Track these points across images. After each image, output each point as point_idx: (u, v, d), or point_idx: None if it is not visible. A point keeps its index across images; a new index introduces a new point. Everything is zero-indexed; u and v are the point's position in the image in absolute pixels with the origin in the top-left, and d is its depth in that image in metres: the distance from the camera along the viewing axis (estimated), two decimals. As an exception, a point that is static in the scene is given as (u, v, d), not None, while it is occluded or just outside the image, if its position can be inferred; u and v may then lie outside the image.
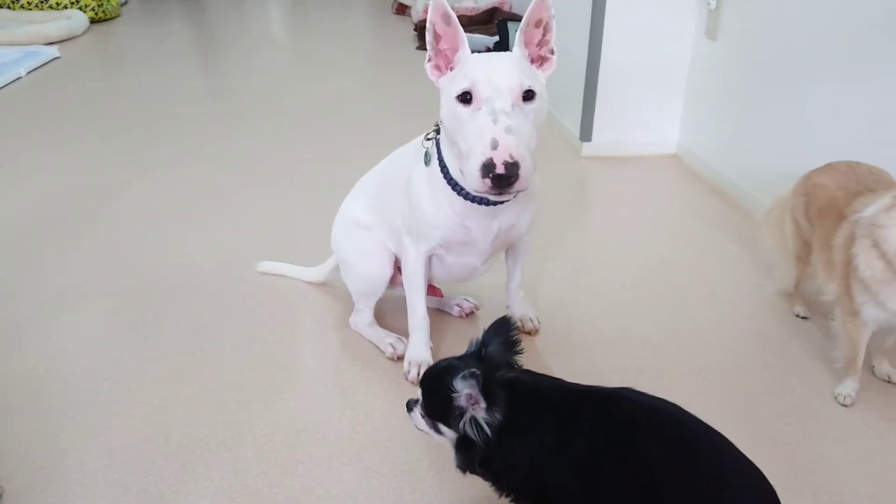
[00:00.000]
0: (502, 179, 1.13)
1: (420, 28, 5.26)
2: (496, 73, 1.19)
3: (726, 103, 2.63)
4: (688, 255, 2.18)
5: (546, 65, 1.31)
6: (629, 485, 0.91)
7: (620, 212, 2.49)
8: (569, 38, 3.00)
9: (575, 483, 0.96)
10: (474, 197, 1.33)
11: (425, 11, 1.46)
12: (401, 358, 1.63)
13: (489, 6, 5.31)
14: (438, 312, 1.85)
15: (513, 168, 1.12)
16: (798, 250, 1.75)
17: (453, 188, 1.34)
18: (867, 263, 1.39)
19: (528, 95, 1.20)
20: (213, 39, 5.52)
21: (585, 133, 2.97)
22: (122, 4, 6.76)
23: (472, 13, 5.32)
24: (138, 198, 2.57)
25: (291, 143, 3.15)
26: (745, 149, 2.51)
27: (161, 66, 4.61)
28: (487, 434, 0.98)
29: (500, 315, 1.79)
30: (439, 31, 1.26)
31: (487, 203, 1.35)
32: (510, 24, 3.73)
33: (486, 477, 1.07)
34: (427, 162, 1.40)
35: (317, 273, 1.94)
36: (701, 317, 1.85)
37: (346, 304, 1.80)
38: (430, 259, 1.53)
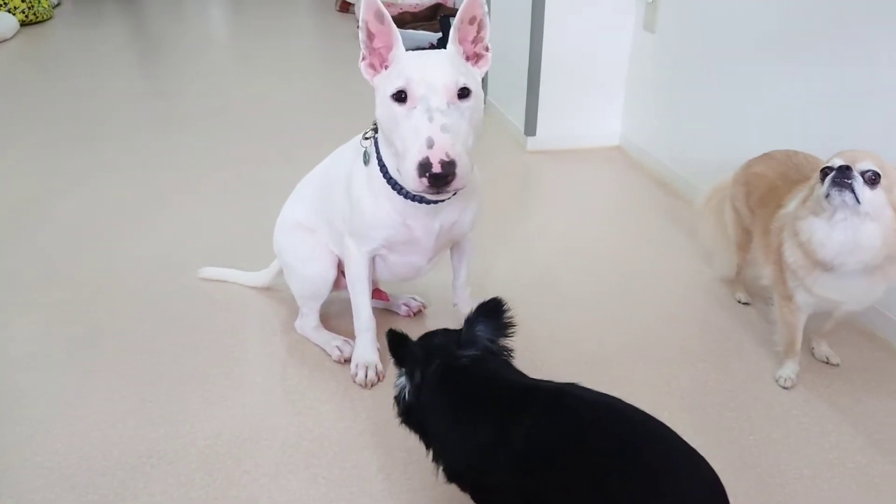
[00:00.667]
0: (439, 178, 1.13)
1: (363, 26, 5.21)
2: (431, 72, 1.18)
3: (665, 95, 2.67)
4: (632, 245, 2.20)
5: (481, 62, 1.31)
6: (574, 481, 0.91)
7: (566, 205, 2.51)
8: (510, 33, 3.01)
9: (512, 481, 0.95)
10: (414, 196, 1.32)
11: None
12: (348, 361, 1.60)
13: (433, 2, 5.31)
14: (385, 312, 1.83)
15: (449, 167, 1.12)
16: (739, 238, 1.78)
17: (393, 187, 1.33)
18: (790, 251, 1.43)
19: (464, 93, 1.19)
20: (152, 40, 5.38)
21: (530, 128, 2.98)
22: (55, 6, 6.55)
23: (416, 10, 5.30)
24: (74, 205, 2.48)
25: (233, 145, 3.09)
26: (684, 139, 2.55)
27: (97, 69, 4.47)
28: (404, 396, 1.07)
29: (447, 314, 1.83)
30: (373, 29, 1.24)
31: (427, 201, 1.34)
32: (453, 21, 3.71)
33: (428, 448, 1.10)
34: (366, 161, 1.38)
35: (260, 277, 1.90)
36: (646, 306, 1.87)
37: (292, 307, 1.77)
38: (373, 260, 1.51)
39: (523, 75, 2.97)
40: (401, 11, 5.31)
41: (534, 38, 2.84)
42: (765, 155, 1.70)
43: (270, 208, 1.83)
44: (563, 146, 3.03)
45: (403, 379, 1.08)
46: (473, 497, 1.06)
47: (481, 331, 1.09)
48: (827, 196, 1.29)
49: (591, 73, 2.93)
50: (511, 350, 1.12)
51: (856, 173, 1.27)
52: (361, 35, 1.25)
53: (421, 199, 1.33)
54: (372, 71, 1.28)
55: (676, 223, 2.34)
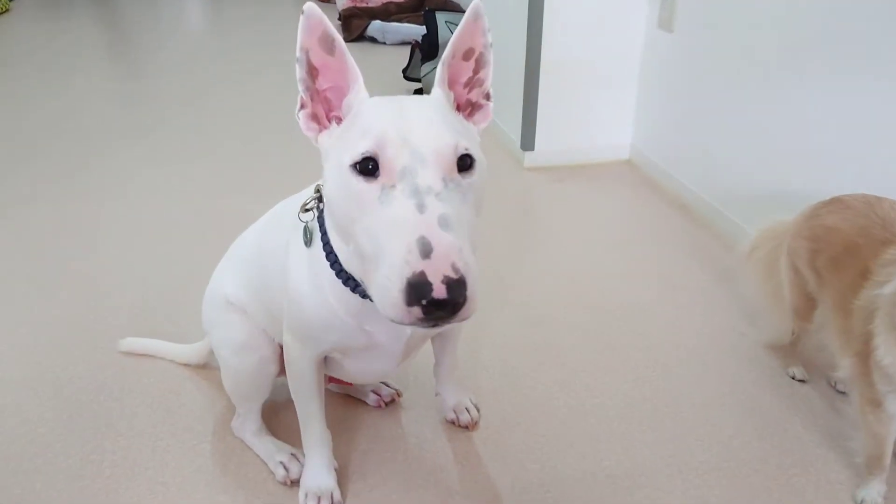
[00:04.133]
0: (443, 307, 0.69)
1: (345, 18, 4.80)
2: (415, 129, 0.77)
3: (684, 102, 2.28)
4: (653, 294, 1.82)
5: (479, 115, 0.91)
6: None
7: (570, 237, 2.12)
8: (503, 31, 2.60)
9: None
10: None
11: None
12: (295, 483, 1.22)
13: (418, -9, 4.88)
14: (347, 401, 1.44)
15: (458, 289, 0.69)
16: (798, 304, 1.40)
17: (345, 282, 0.93)
18: (887, 349, 1.06)
19: (465, 164, 0.79)
20: (120, 36, 4.96)
21: (527, 141, 2.59)
22: (12, -1, 6.10)
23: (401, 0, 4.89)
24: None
25: (206, 166, 2.69)
26: (709, 156, 2.17)
27: (54, 67, 4.05)
28: None
29: (429, 403, 1.45)
30: (316, 61, 0.84)
31: None
32: (439, 15, 3.31)
33: None
34: (307, 242, 0.98)
35: (193, 352, 1.51)
36: (675, 384, 1.49)
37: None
38: (324, 359, 1.13)
39: (519, 80, 2.57)
40: (385, 2, 4.89)
41: (531, 36, 2.44)
42: (836, 201, 1.31)
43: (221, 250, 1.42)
44: (565, 161, 2.64)
45: None
46: None
47: None
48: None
49: (596, 77, 2.53)
50: None
51: None
52: (299, 71, 0.84)
53: None
54: (315, 125, 0.87)
55: (704, 262, 1.96)
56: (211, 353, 1.45)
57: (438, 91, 0.87)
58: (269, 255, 1.10)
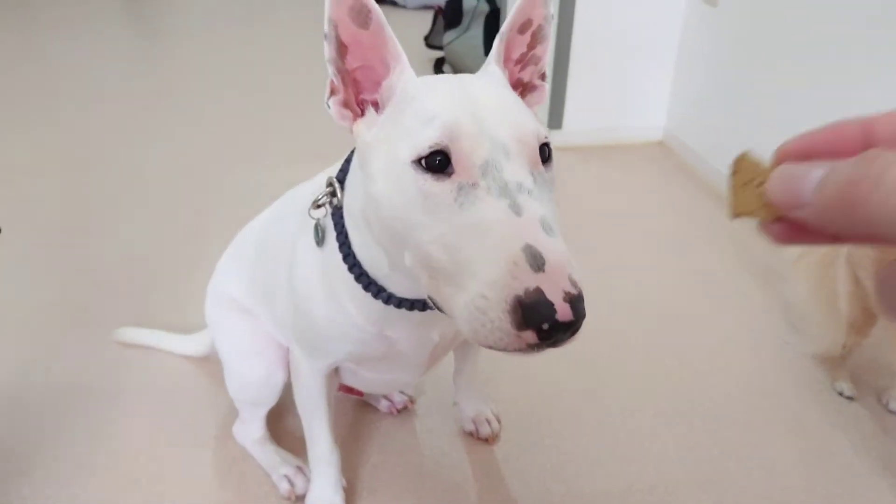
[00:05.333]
0: (565, 330, 0.54)
1: None
2: (489, 114, 0.63)
3: (726, 83, 2.13)
4: (685, 293, 1.70)
5: (532, 97, 0.77)
6: None
7: (595, 226, 1.99)
8: (534, 1, 2.44)
9: None
10: (402, 300, 0.80)
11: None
12: (300, 498, 1.13)
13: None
14: (358, 408, 1.34)
15: (580, 307, 0.55)
16: (856, 318, 1.28)
17: (366, 287, 0.80)
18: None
19: (545, 154, 0.64)
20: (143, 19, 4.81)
21: (555, 119, 2.45)
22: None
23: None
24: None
25: (189, 131, 2.57)
26: (753, 143, 2.00)
27: (70, 28, 3.92)
28: None
29: (446, 412, 1.35)
30: (346, 38, 0.67)
31: (424, 307, 0.82)
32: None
33: None
34: (319, 241, 0.85)
35: (195, 344, 1.41)
36: (710, 397, 1.38)
37: (234, 397, 1.28)
38: (336, 369, 1.02)
39: (548, 54, 2.41)
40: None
41: (563, 9, 2.29)
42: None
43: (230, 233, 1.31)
44: (595, 141, 2.50)
45: None
46: None
47: None
48: None
49: (631, 53, 2.38)
50: None
51: None
52: (328, 50, 0.67)
53: (413, 305, 0.81)
54: (349, 113, 0.70)
55: (743, 261, 1.83)
56: (211, 345, 1.35)
57: (496, 69, 0.72)
58: (272, 256, 0.99)
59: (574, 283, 0.55)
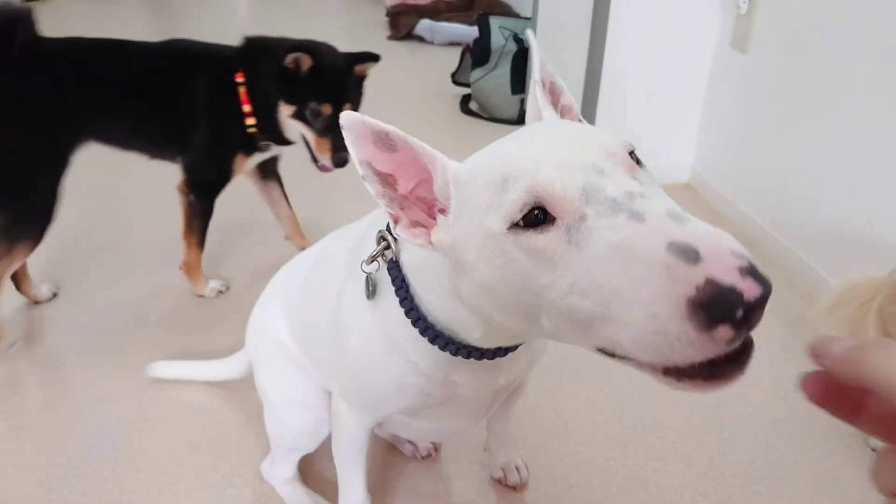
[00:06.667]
0: (757, 310, 0.47)
1: (392, 15, 4.69)
2: (562, 145, 0.58)
3: (757, 128, 2.13)
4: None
5: None
6: None
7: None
8: (565, 43, 2.47)
9: None
10: (472, 351, 0.77)
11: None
12: (328, 544, 1.12)
13: (469, -10, 4.76)
14: (387, 449, 1.33)
15: (760, 274, 0.47)
16: (890, 375, 1.26)
17: (432, 340, 0.76)
18: None
19: (635, 157, 0.60)
20: (167, 22, 4.91)
21: (582, 159, 2.46)
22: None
23: (451, -2, 4.77)
24: None
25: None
26: (784, 189, 2.01)
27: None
28: None
29: (473, 457, 1.33)
30: (386, 168, 0.66)
31: (493, 356, 0.79)
32: (493, 19, 3.18)
33: None
34: (370, 295, 0.82)
35: (230, 367, 1.39)
36: (739, 447, 1.36)
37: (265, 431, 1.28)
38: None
39: (577, 94, 2.44)
40: (434, 0, 4.77)
41: (593, 51, 2.31)
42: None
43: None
44: (621, 182, 2.50)
45: None
46: None
47: None
48: None
49: (660, 94, 2.39)
50: None
51: None
52: (372, 188, 0.66)
53: (483, 354, 0.78)
54: (421, 230, 0.68)
55: (773, 308, 1.75)
56: (248, 367, 1.34)
57: (551, 113, 0.72)
58: (316, 301, 0.97)
59: (740, 254, 0.47)
